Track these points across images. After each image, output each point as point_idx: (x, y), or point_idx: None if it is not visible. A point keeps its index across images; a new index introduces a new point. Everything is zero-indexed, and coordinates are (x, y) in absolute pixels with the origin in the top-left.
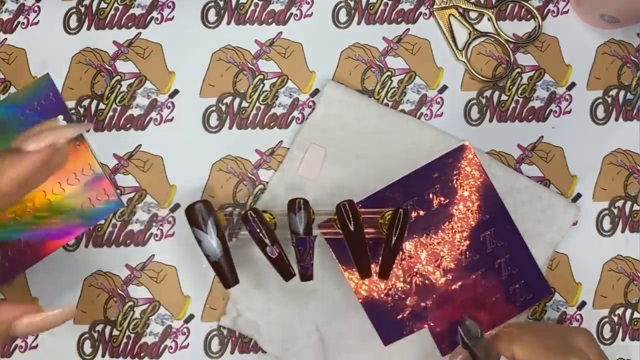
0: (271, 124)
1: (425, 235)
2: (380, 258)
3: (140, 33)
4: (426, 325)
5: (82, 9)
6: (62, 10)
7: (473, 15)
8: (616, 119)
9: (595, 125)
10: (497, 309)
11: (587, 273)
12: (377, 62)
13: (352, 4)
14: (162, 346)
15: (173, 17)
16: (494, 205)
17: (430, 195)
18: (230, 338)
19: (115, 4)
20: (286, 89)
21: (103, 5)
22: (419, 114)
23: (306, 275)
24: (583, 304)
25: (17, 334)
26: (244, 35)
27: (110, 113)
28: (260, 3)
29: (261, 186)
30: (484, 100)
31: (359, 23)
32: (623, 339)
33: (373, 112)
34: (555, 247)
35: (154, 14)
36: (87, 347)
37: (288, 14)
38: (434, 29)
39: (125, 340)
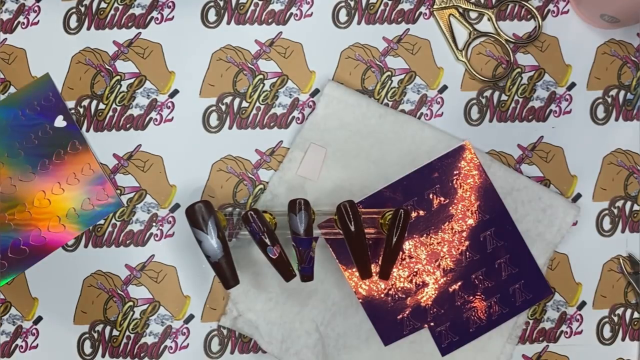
0: (271, 124)
1: (425, 235)
2: (380, 258)
3: (140, 33)
4: (426, 325)
5: (82, 9)
6: (62, 10)
7: (473, 15)
8: (616, 119)
9: (595, 125)
10: (496, 309)
11: (587, 273)
12: (377, 62)
13: (352, 4)
14: (162, 346)
15: (173, 17)
16: (494, 205)
17: (430, 195)
18: (230, 338)
19: (115, 4)
20: (286, 89)
21: (103, 5)
22: (419, 114)
23: (306, 276)
24: (583, 304)
25: None
26: (244, 35)
27: (110, 113)
28: (260, 3)
29: (261, 186)
30: (484, 100)
31: (359, 23)
32: (623, 339)
33: (373, 112)
34: (555, 247)
35: (154, 14)
36: (87, 347)
37: (288, 14)
38: (434, 29)
39: (125, 340)
